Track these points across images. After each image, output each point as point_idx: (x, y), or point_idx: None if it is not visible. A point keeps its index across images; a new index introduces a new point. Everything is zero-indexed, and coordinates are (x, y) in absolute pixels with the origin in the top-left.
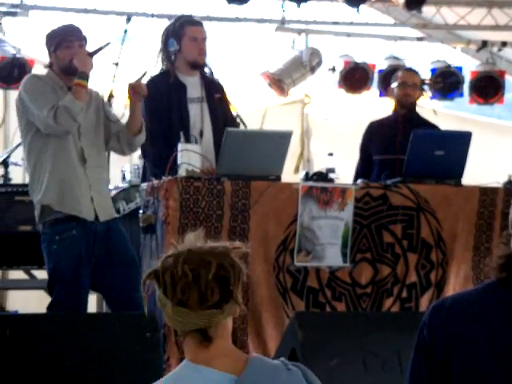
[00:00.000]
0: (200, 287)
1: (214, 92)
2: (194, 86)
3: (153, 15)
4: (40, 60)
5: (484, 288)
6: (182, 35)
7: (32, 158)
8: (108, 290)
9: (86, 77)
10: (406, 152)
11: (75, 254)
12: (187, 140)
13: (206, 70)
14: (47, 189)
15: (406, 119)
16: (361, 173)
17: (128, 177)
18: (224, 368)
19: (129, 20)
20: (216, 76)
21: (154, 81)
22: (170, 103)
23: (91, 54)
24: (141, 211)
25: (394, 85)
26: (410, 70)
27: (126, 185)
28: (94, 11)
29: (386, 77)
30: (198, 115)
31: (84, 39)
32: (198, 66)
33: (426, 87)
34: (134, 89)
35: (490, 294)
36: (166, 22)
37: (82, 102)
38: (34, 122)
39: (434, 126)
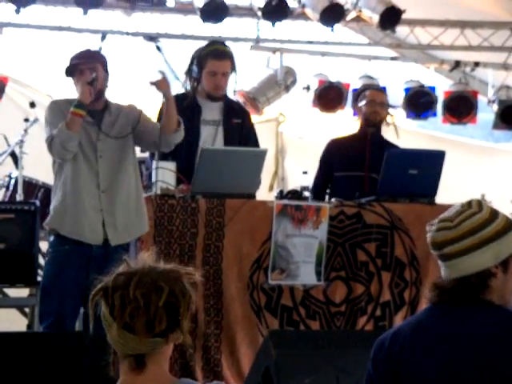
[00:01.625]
0: (149, 313)
1: (232, 117)
2: (211, 110)
3: (128, 33)
4: (14, 77)
5: (421, 314)
6: (204, 66)
7: (54, 183)
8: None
9: (82, 106)
10: (375, 170)
11: (60, 266)
12: (193, 159)
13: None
14: (54, 213)
15: (374, 138)
16: (319, 188)
17: None
18: None
19: (103, 38)
20: (239, 102)
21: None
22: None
23: (90, 83)
24: None
25: (362, 103)
26: (378, 89)
27: None
28: (69, 29)
29: (359, 94)
30: (211, 137)
31: (99, 61)
32: (213, 98)
33: (392, 109)
34: (156, 87)
35: (429, 317)
36: (141, 40)
37: (75, 131)
38: None
39: (396, 147)
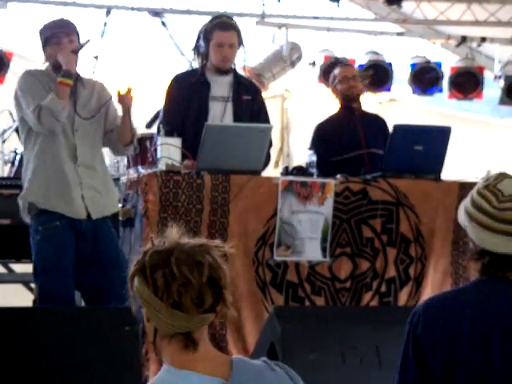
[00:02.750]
0: (196, 289)
1: (243, 93)
2: (220, 86)
3: (133, 8)
4: (18, 53)
5: (476, 287)
6: (210, 39)
7: (26, 154)
8: (87, 289)
9: (69, 75)
10: (371, 145)
11: (57, 244)
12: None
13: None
14: (30, 186)
15: (360, 112)
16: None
17: None
18: (209, 372)
19: (108, 13)
20: (249, 79)
21: (178, 78)
22: (190, 100)
23: (75, 51)
24: (120, 205)
25: (335, 83)
26: (346, 65)
27: None
28: (74, 4)
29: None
30: (219, 113)
31: (75, 34)
32: (221, 71)
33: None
34: (120, 100)
35: (488, 294)
36: (146, 16)
37: (65, 101)
38: (25, 119)
39: (380, 118)
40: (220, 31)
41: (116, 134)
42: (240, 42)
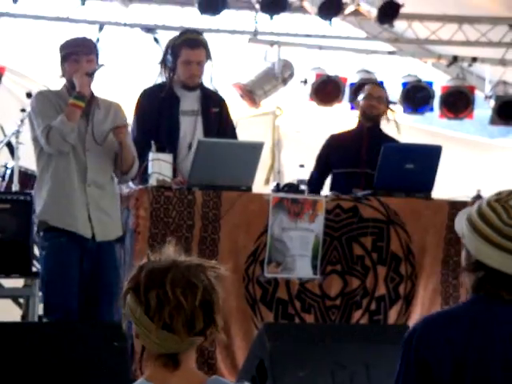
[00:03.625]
0: (187, 312)
1: (211, 106)
2: (189, 99)
3: (125, 24)
4: (10, 68)
5: (478, 307)
6: (178, 55)
7: (39, 173)
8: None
9: (82, 97)
10: (371, 166)
11: (62, 259)
12: (175, 150)
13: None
14: (45, 206)
15: (371, 133)
16: (316, 182)
17: None
18: None
19: (101, 29)
20: (217, 90)
21: (146, 92)
22: (160, 115)
23: (89, 74)
24: None
25: (361, 97)
26: (377, 84)
27: None
28: (66, 19)
29: (358, 90)
30: (190, 128)
31: (95, 54)
32: (189, 88)
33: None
34: (116, 133)
35: (491, 314)
36: (139, 32)
37: (75, 123)
38: (38, 140)
39: (392, 140)
40: (188, 49)
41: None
42: (208, 57)
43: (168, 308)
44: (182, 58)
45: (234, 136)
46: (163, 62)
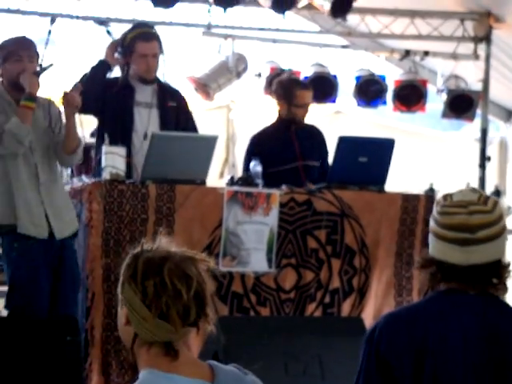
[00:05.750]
0: (182, 303)
1: (167, 100)
2: (144, 92)
3: (78, 17)
4: None
5: (436, 299)
6: (133, 50)
7: None
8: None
9: (32, 98)
10: (307, 157)
11: (33, 261)
12: (129, 142)
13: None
14: (2, 208)
15: (294, 127)
16: None
17: None
18: (192, 375)
19: (53, 21)
20: (168, 84)
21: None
22: (116, 105)
23: (37, 74)
24: None
25: (292, 102)
26: (305, 87)
27: None
28: (17, 11)
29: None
30: (145, 119)
31: (36, 54)
32: (145, 81)
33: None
34: (66, 100)
35: (449, 305)
36: (92, 25)
37: (29, 124)
38: None
39: (316, 128)
40: (143, 42)
41: (60, 146)
42: (161, 51)
43: (165, 297)
44: (137, 51)
45: (195, 131)
46: (118, 55)
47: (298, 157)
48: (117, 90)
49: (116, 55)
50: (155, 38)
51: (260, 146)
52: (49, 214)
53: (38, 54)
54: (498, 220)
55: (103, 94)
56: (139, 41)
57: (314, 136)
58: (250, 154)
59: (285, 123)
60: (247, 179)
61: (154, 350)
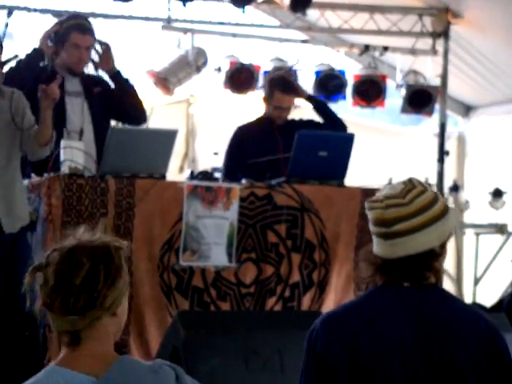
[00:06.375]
0: (64, 292)
1: (92, 86)
2: (72, 82)
3: (35, 10)
4: None
5: (370, 296)
6: (66, 39)
7: None
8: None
9: None
10: (288, 151)
11: None
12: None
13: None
14: None
15: (278, 123)
16: (233, 175)
17: None
18: (86, 370)
19: (10, 14)
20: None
21: (20, 75)
22: None
23: (1, 65)
24: None
25: (270, 101)
26: (285, 91)
27: None
28: None
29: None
30: (78, 109)
31: (0, 45)
32: (73, 72)
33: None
34: (45, 92)
35: (381, 299)
36: (50, 18)
37: None
38: None
39: (303, 121)
40: (78, 33)
41: (31, 137)
42: (93, 46)
43: (48, 287)
44: (70, 41)
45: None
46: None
47: (279, 149)
48: (45, 79)
49: (48, 43)
50: (90, 31)
51: (242, 137)
52: (0, 209)
53: (1, 46)
54: (416, 212)
55: (35, 84)
56: (74, 31)
57: (297, 129)
58: (233, 146)
59: (269, 118)
60: (207, 173)
61: (63, 339)
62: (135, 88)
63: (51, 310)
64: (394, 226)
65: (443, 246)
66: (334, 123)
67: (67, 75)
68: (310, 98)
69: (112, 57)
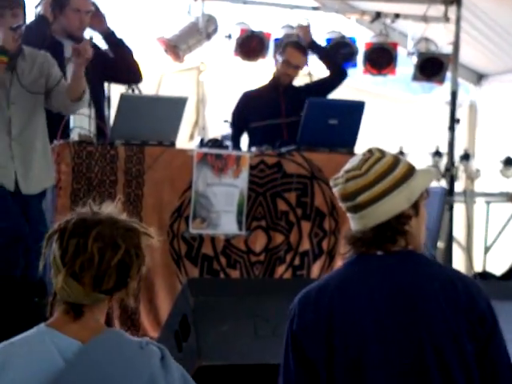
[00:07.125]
0: (100, 269)
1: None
2: (68, 47)
3: None
4: None
5: (346, 268)
6: (66, 4)
7: None
8: None
9: (5, 52)
10: (291, 115)
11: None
12: None
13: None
14: None
15: (287, 84)
16: (234, 141)
17: None
18: (73, 334)
19: None
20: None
21: (30, 41)
22: None
23: (13, 28)
24: None
25: (279, 58)
26: (298, 48)
27: None
28: None
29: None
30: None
31: (20, 7)
32: (74, 38)
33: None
34: (78, 51)
35: (357, 270)
36: None
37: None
38: None
39: (308, 86)
40: None
41: (61, 92)
42: (92, 10)
43: (81, 259)
44: (71, 5)
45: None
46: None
47: (282, 114)
48: (46, 46)
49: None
50: None
51: (246, 102)
52: (18, 170)
53: (23, 7)
54: (375, 181)
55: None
56: None
57: (302, 93)
58: (238, 109)
59: (275, 82)
60: (217, 141)
61: (62, 307)
62: (130, 48)
63: (79, 281)
64: (357, 198)
65: (416, 207)
66: (339, 71)
67: (67, 41)
68: (315, 47)
69: (104, 16)
